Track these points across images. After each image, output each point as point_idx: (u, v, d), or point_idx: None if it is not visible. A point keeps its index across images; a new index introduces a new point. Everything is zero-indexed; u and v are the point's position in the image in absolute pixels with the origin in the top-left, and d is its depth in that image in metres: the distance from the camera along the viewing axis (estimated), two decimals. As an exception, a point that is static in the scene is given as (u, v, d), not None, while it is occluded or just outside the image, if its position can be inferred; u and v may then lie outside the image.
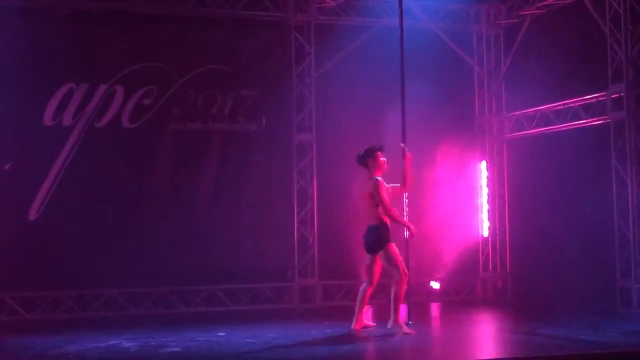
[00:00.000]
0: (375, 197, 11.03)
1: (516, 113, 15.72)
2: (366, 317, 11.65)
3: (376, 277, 11.34)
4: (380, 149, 11.30)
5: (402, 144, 11.41)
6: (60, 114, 14.06)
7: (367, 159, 11.24)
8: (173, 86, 14.65)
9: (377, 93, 14.61)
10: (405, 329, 11.06)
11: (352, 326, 11.37)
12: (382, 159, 11.22)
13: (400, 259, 11.07)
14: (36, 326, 12.83)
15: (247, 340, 10.98)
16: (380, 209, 11.04)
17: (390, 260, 11.01)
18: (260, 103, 15.06)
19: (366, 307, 11.54)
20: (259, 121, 15.08)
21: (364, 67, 14.95)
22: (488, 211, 16.11)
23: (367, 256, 11.27)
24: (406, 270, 11.06)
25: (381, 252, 11.05)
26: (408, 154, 11.34)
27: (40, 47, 13.84)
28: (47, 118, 14.02)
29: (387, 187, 11.20)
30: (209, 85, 14.82)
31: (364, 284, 11.43)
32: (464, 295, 15.88)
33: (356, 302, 11.46)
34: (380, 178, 11.15)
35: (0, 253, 13.29)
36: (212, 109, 14.85)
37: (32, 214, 13.86)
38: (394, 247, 11.05)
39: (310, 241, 15.11)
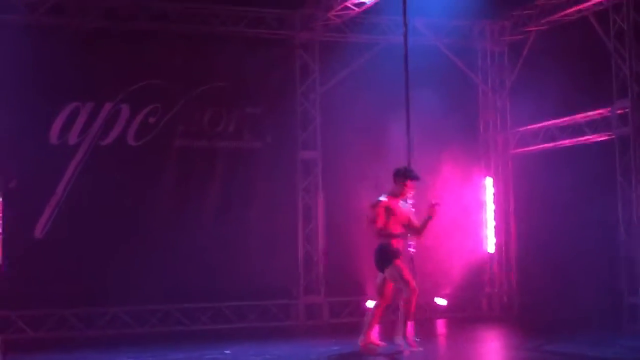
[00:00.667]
0: (372, 213, 11.06)
1: (521, 129, 15.72)
2: (375, 335, 11.61)
3: (387, 295, 11.28)
4: (415, 178, 11.27)
5: (435, 202, 11.28)
6: (66, 133, 14.10)
7: (396, 179, 11.25)
8: (178, 104, 14.68)
9: (382, 110, 14.61)
10: (413, 345, 11.04)
11: (359, 342, 11.35)
12: (408, 187, 11.20)
13: (408, 274, 11.03)
14: (42, 344, 12.83)
15: (254, 357, 10.99)
16: (386, 227, 11.05)
17: (398, 276, 10.99)
18: (265, 120, 15.07)
19: (375, 325, 11.48)
20: (264, 138, 15.09)
21: (369, 84, 14.96)
22: (494, 227, 16.09)
23: (379, 275, 11.25)
24: (415, 287, 11.01)
25: (388, 269, 11.03)
26: (435, 213, 11.24)
27: (46, 66, 13.83)
28: (53, 137, 14.05)
29: (401, 209, 11.22)
30: (214, 102, 14.85)
31: (376, 301, 11.41)
32: (469, 311, 15.84)
33: (365, 318, 11.45)
34: (385, 199, 11.14)
35: (7, 270, 13.28)
36: (217, 127, 14.88)
37: (38, 232, 13.88)
38: (400, 264, 11.02)
39: (316, 258, 15.10)
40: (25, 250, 13.59)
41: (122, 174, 14.29)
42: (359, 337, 11.33)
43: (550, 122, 14.92)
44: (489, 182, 16.16)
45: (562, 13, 14.38)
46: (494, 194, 16.13)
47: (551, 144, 14.92)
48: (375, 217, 10.99)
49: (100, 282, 13.85)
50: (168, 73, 14.66)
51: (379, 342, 11.49)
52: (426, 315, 14.77)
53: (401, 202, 11.28)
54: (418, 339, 11.45)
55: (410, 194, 11.27)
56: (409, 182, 11.19)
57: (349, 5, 14.22)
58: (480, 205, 16.12)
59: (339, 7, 14.34)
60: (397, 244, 11.10)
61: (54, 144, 14.04)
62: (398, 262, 11.00)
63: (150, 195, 14.45)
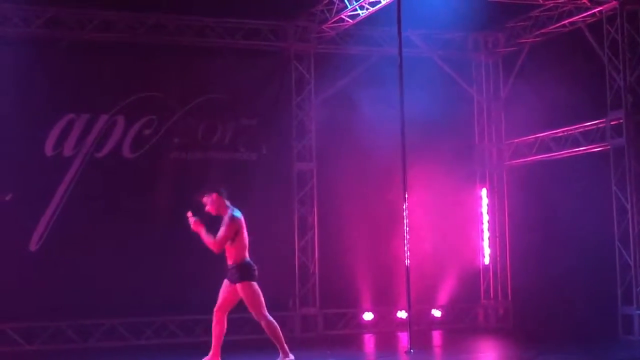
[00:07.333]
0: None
1: (515, 140, 15.76)
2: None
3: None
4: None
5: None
6: (61, 145, 14.09)
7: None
8: (174, 116, 14.69)
9: (377, 121, 14.62)
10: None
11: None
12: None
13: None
14: (36, 357, 12.78)
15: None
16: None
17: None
18: (261, 132, 15.08)
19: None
20: (260, 150, 15.09)
21: (364, 95, 14.98)
22: (489, 239, 16.10)
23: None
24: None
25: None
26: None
27: (41, 78, 13.87)
28: (48, 148, 14.04)
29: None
30: (209, 114, 14.85)
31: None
32: (465, 323, 15.84)
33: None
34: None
35: (1, 283, 13.26)
36: (212, 139, 14.88)
37: (33, 245, 13.85)
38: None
39: (311, 270, 15.09)
40: (20, 263, 13.58)
41: (117, 186, 14.28)
42: (351, 349, 11.30)
43: (544, 134, 14.96)
44: (484, 193, 16.18)
45: (556, 25, 14.44)
46: (488, 205, 16.14)
47: (546, 155, 14.95)
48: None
49: (96, 294, 13.81)
50: (164, 85, 14.67)
51: None
52: (422, 327, 14.75)
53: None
54: (412, 350, 11.45)
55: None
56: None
57: (344, 17, 14.29)
58: (475, 216, 16.14)
59: (334, 19, 14.42)
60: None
61: (49, 156, 14.03)
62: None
63: (145, 207, 14.42)
